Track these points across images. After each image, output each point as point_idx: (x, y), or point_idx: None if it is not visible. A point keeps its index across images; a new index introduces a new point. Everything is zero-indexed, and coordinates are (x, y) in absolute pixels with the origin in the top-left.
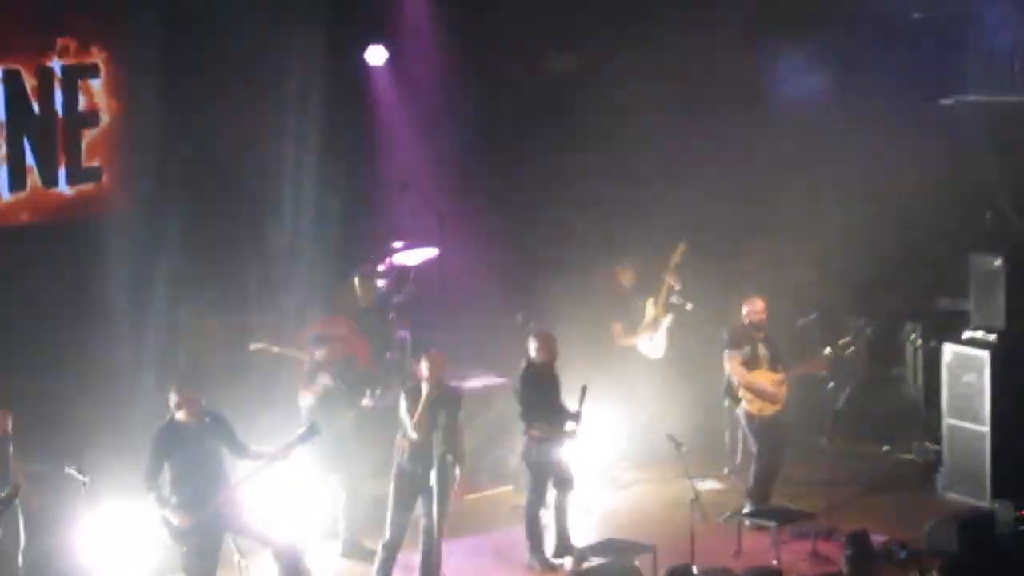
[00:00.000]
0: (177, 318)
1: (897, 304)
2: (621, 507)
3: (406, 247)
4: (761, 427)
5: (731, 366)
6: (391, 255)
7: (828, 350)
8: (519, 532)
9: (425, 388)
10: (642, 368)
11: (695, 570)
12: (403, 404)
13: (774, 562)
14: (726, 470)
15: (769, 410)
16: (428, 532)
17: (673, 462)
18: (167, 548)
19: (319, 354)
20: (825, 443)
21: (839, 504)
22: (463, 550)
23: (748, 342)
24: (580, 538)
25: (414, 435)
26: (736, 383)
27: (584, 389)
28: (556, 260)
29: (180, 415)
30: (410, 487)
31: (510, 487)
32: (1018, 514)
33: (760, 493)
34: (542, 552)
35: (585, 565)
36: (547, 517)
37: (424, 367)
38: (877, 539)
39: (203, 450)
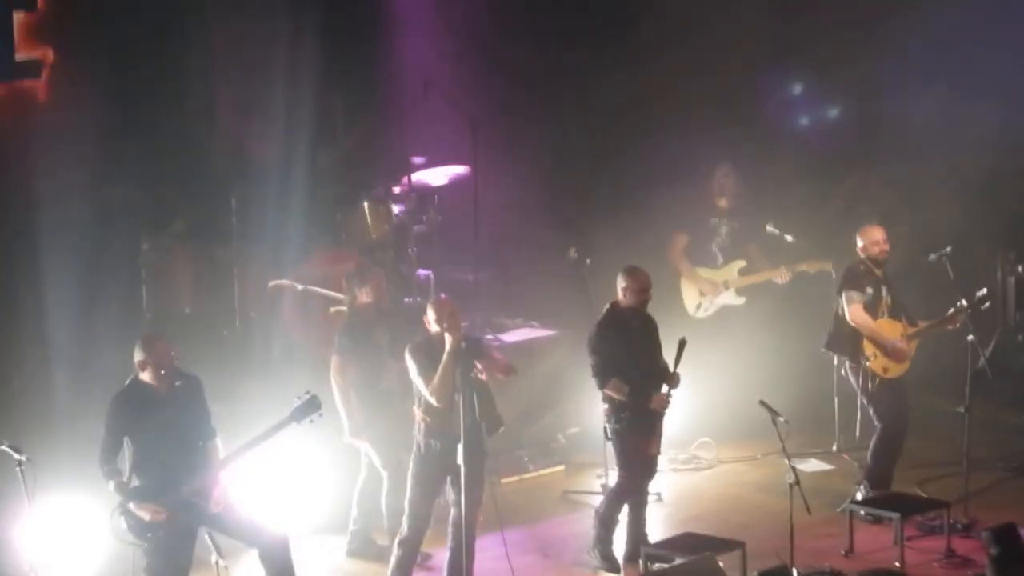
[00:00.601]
0: (138, 254)
1: None
2: (702, 494)
3: (428, 164)
4: (884, 391)
5: (852, 312)
6: (410, 174)
7: (962, 303)
8: (570, 523)
9: (449, 340)
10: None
11: (795, 573)
12: (413, 365)
13: (896, 564)
14: (835, 447)
15: (895, 370)
16: (457, 525)
17: (767, 437)
18: (126, 544)
19: (364, 295)
20: (961, 412)
21: (980, 490)
22: (501, 546)
23: (871, 283)
24: (653, 531)
25: (434, 401)
26: (858, 335)
27: (682, 344)
28: (619, 182)
29: (145, 376)
30: (434, 469)
31: (560, 467)
32: None
33: (880, 476)
34: (609, 545)
35: (658, 565)
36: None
37: (431, 315)
38: None
39: (175, 421)
